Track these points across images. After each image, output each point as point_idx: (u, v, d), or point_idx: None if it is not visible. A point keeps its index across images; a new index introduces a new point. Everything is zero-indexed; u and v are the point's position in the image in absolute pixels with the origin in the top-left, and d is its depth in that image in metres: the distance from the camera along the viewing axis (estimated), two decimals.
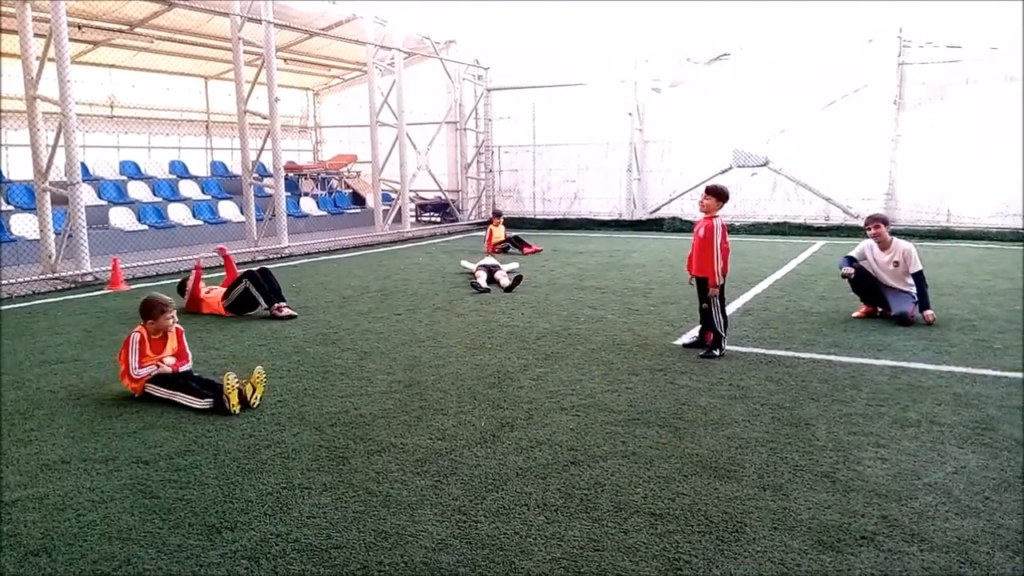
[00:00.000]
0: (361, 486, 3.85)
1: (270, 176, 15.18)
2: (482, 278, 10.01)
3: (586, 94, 18.70)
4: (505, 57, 19.51)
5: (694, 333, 6.90)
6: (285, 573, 3.05)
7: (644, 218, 18.56)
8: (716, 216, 6.38)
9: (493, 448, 4.35)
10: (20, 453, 4.36)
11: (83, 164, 13.71)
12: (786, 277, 10.66)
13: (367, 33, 16.66)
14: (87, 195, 12.98)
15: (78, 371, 6.12)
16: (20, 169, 15.01)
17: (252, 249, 13.63)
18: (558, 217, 19.61)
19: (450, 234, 18.32)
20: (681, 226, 17.70)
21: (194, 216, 16.71)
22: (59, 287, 10.41)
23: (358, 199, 21.28)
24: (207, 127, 20.11)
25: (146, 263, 11.83)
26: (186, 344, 5.64)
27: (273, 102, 13.64)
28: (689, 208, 17.83)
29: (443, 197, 20.13)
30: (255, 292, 8.20)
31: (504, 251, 13.71)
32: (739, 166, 17.25)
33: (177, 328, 5.60)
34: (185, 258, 12.35)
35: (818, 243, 15.01)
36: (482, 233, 15.85)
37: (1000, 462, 4.07)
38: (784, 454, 4.21)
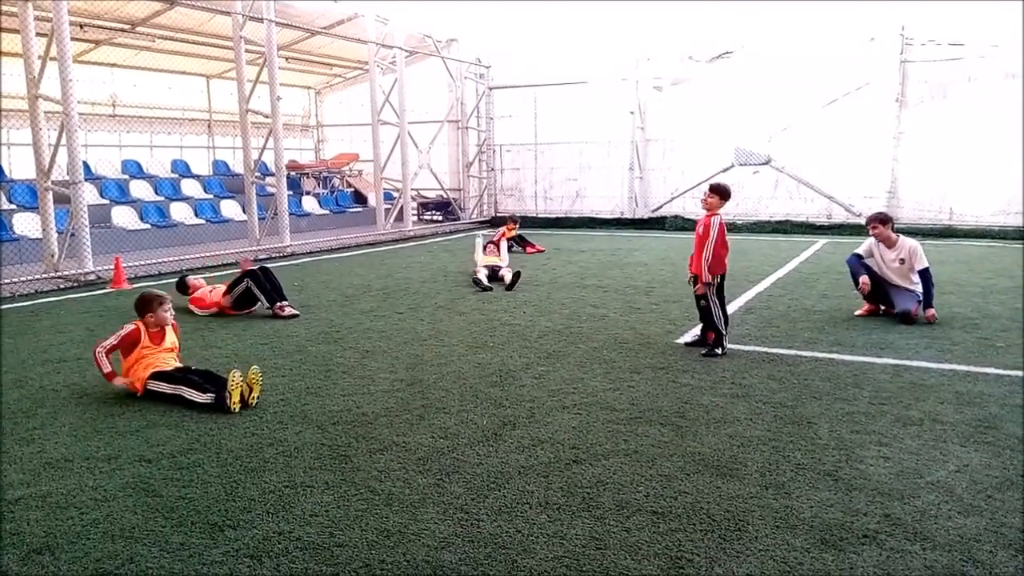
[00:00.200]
0: (363, 484, 3.86)
1: (272, 175, 15.20)
2: (483, 274, 10.00)
3: (588, 92, 18.69)
4: (507, 56, 19.50)
5: (696, 332, 6.89)
6: (287, 571, 3.05)
7: (646, 216, 18.54)
8: (716, 214, 6.38)
9: (495, 446, 4.35)
10: (23, 451, 4.37)
11: (85, 163, 13.70)
12: (788, 275, 10.65)
13: (369, 32, 16.66)
14: (89, 194, 13.02)
15: (80, 370, 6.12)
16: (22, 168, 15.03)
17: (254, 248, 13.64)
18: (560, 216, 19.60)
19: (452, 233, 18.32)
20: (683, 224, 17.68)
21: (196, 215, 16.72)
22: (61, 286, 10.43)
23: (360, 198, 21.28)
24: (209, 126, 20.12)
25: (148, 262, 11.84)
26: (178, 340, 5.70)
27: (275, 101, 13.64)
28: (691, 207, 17.80)
29: (445, 196, 20.12)
30: (256, 291, 8.20)
31: (508, 249, 13.66)
32: (741, 164, 17.22)
33: (173, 323, 5.64)
34: (187, 257, 12.37)
35: (820, 241, 15.00)
36: (483, 233, 15.80)
37: (1003, 460, 4.07)
38: (786, 452, 4.21)
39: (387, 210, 17.60)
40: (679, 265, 11.63)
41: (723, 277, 6.49)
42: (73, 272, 10.76)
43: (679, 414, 4.88)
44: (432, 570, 3.06)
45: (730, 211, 16.00)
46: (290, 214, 14.93)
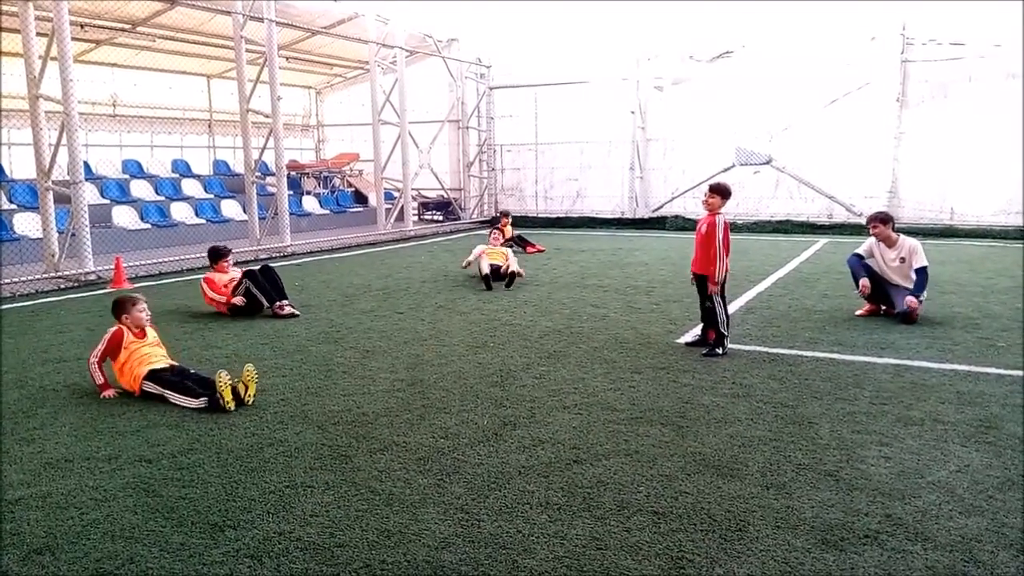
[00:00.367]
0: (364, 484, 3.85)
1: (272, 175, 15.20)
2: (485, 265, 9.95)
3: (588, 92, 18.68)
4: (507, 55, 19.51)
5: (697, 331, 6.89)
6: (288, 572, 3.05)
7: (647, 216, 18.53)
8: (719, 213, 6.37)
9: (495, 447, 4.35)
10: (23, 451, 4.37)
11: (86, 163, 13.71)
12: (789, 275, 10.64)
13: (369, 31, 16.66)
14: (90, 194, 13.01)
15: (81, 370, 6.11)
16: (23, 168, 15.03)
17: (255, 248, 13.63)
18: (560, 215, 19.59)
19: (452, 233, 18.32)
20: (684, 224, 17.67)
21: (197, 215, 16.72)
22: (62, 286, 10.43)
23: (360, 198, 21.28)
24: (209, 126, 20.12)
25: (149, 262, 11.84)
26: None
27: (275, 101, 13.64)
28: (692, 206, 17.80)
29: (445, 196, 20.12)
30: (255, 291, 8.19)
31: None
32: (742, 164, 17.21)
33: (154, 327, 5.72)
34: (187, 257, 12.37)
35: (821, 241, 14.99)
36: (484, 232, 15.78)
37: (1004, 460, 4.06)
38: (787, 453, 4.21)
39: (387, 210, 17.60)
40: (679, 265, 11.62)
41: (725, 277, 6.48)
42: (74, 272, 10.76)
43: (680, 414, 4.87)
44: (433, 570, 3.05)
45: (731, 211, 15.99)
46: (291, 214, 14.93)
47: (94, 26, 14.93)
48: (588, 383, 5.59)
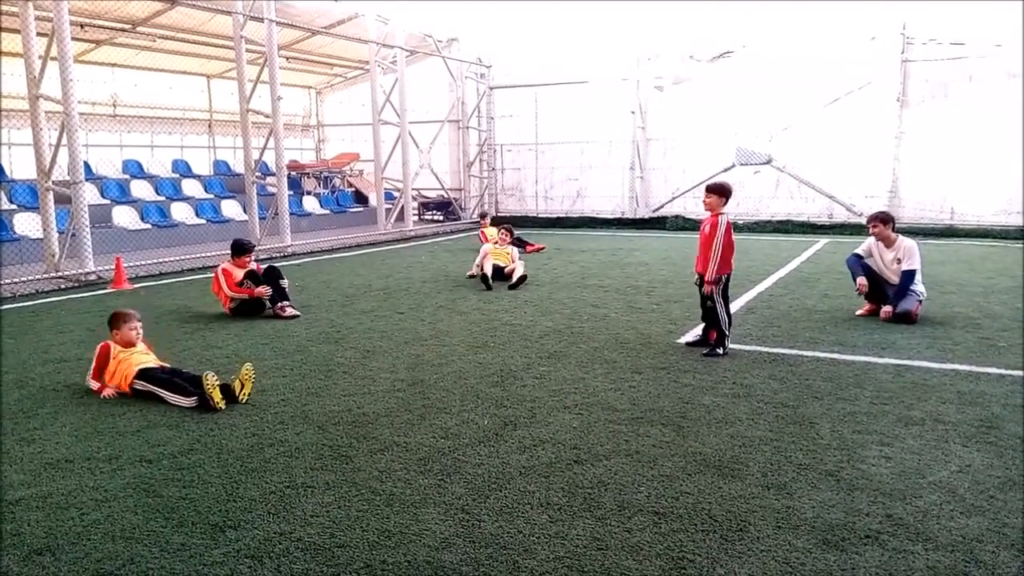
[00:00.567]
0: (364, 485, 3.85)
1: (273, 175, 15.20)
2: (488, 265, 9.95)
3: (589, 92, 18.68)
4: (508, 55, 19.51)
5: (697, 331, 6.88)
6: (288, 572, 3.05)
7: (647, 216, 18.53)
8: (721, 213, 6.37)
9: (496, 447, 4.35)
10: (23, 452, 4.37)
11: (86, 163, 13.71)
12: (789, 275, 10.64)
13: (369, 31, 16.66)
14: (90, 194, 13.01)
15: (81, 370, 6.10)
16: (23, 168, 15.03)
17: (255, 248, 13.61)
18: (560, 215, 19.59)
19: (453, 233, 18.32)
20: (684, 224, 17.69)
21: (197, 215, 16.73)
22: (62, 286, 10.43)
23: (361, 198, 21.28)
24: (210, 126, 20.12)
25: (149, 262, 11.85)
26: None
27: (275, 101, 13.64)
28: (692, 206, 17.80)
29: (446, 196, 20.12)
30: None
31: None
32: (742, 164, 17.21)
33: (146, 344, 5.74)
34: (188, 257, 12.37)
35: (821, 241, 14.99)
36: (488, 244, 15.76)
37: (1005, 460, 4.06)
38: (788, 453, 4.20)
39: (388, 210, 17.60)
40: (680, 265, 11.63)
41: (728, 277, 6.48)
42: (74, 272, 10.76)
43: (680, 414, 4.87)
44: (433, 571, 3.05)
45: (731, 211, 15.93)
46: (291, 214, 14.94)
47: (94, 26, 14.93)
48: (589, 383, 5.59)
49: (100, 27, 15.12)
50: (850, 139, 16.09)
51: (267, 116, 13.89)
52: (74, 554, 3.21)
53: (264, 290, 8.09)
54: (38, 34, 10.82)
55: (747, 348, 6.54)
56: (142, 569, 3.09)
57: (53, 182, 10.99)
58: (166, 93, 18.83)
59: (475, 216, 19.84)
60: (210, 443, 4.46)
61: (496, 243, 10.77)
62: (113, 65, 17.43)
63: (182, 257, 12.30)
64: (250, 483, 3.89)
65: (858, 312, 7.84)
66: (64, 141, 10.75)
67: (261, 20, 13.43)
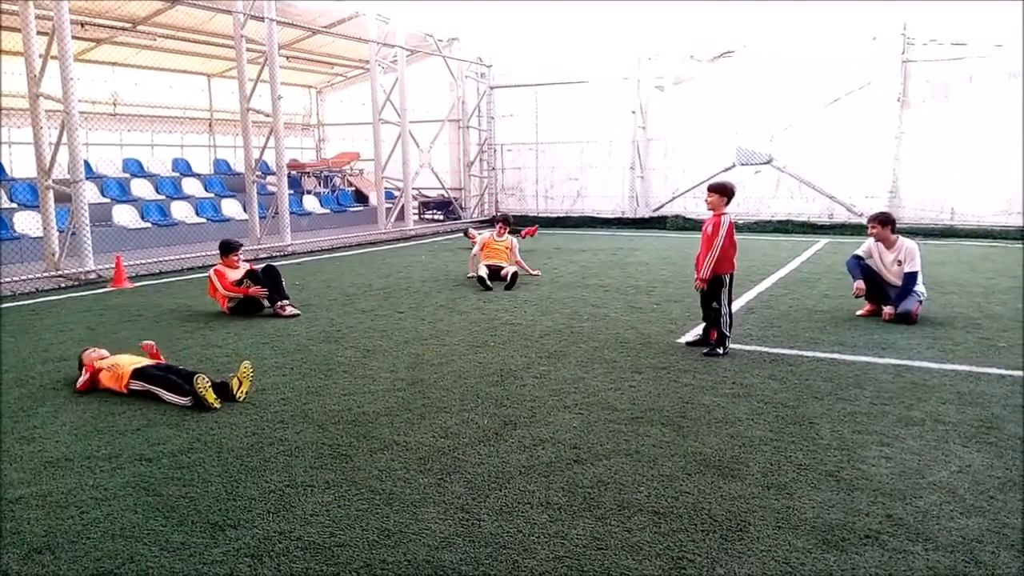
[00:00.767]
0: (364, 484, 3.85)
1: (273, 174, 15.19)
2: (483, 271, 9.96)
3: (589, 92, 18.67)
4: (508, 55, 19.50)
5: (697, 331, 6.88)
6: (288, 571, 3.05)
7: (647, 216, 18.53)
8: (724, 213, 6.37)
9: (496, 446, 4.35)
10: (23, 450, 4.36)
11: (86, 162, 13.71)
12: (789, 275, 10.64)
13: (370, 31, 16.65)
14: (90, 193, 13.00)
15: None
16: (23, 167, 15.03)
17: (255, 247, 13.63)
18: (561, 215, 19.59)
19: (453, 232, 18.31)
20: (684, 224, 17.68)
21: (197, 214, 16.72)
22: (62, 285, 10.43)
23: (361, 197, 21.27)
24: (210, 125, 20.11)
25: (149, 261, 11.85)
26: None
27: (276, 100, 13.63)
28: (692, 206, 17.80)
29: (446, 195, 20.12)
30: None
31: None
32: (742, 164, 17.21)
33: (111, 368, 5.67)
34: (188, 256, 12.37)
35: (821, 241, 14.98)
36: (484, 232, 15.77)
37: (1005, 461, 4.06)
38: (788, 453, 4.20)
39: (388, 209, 17.59)
40: (680, 264, 11.62)
41: (732, 276, 6.48)
42: (74, 271, 10.76)
43: (680, 414, 4.87)
44: (433, 570, 3.05)
45: (732, 211, 15.93)
46: (291, 213, 14.93)
47: (95, 25, 14.92)
48: (589, 383, 5.59)
49: (100, 26, 15.12)
50: (851, 139, 16.08)
51: (267, 115, 13.89)
52: (74, 552, 3.21)
53: (259, 290, 8.11)
54: (38, 33, 10.81)
55: (747, 348, 6.54)
56: (142, 568, 3.09)
57: (53, 181, 10.99)
58: (166, 92, 18.81)
59: (478, 215, 19.85)
60: (210, 442, 4.46)
61: (496, 234, 10.68)
62: (113, 64, 17.42)
63: (182, 256, 12.30)
64: (250, 482, 3.89)
65: (858, 312, 7.84)
66: (64, 140, 10.74)
67: (261, 19, 13.42)
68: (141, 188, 16.91)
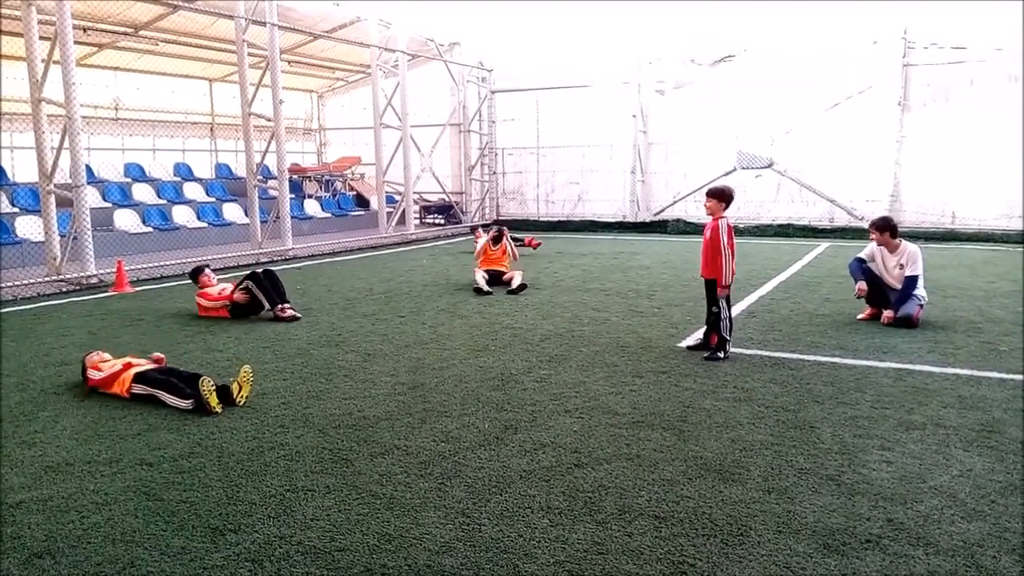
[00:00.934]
0: (365, 488, 3.85)
1: (274, 178, 15.20)
2: (481, 277, 9.97)
3: (590, 96, 18.70)
4: (509, 59, 19.53)
5: (698, 335, 6.88)
6: (288, 575, 3.05)
7: (648, 220, 18.54)
8: (722, 217, 6.37)
9: (497, 451, 4.34)
10: (24, 455, 4.37)
11: (88, 166, 13.73)
12: (790, 279, 10.64)
13: (371, 35, 16.68)
14: (92, 197, 13.01)
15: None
16: (25, 171, 15.06)
17: (256, 251, 13.65)
18: (562, 219, 19.60)
19: (454, 236, 18.32)
20: (685, 228, 17.69)
21: (198, 218, 16.75)
22: (64, 289, 10.44)
23: (362, 201, 21.30)
24: (211, 129, 20.15)
25: (150, 265, 11.85)
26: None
27: (277, 104, 13.65)
28: (693, 210, 17.80)
29: (447, 199, 20.14)
30: (258, 293, 8.20)
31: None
32: (743, 168, 17.22)
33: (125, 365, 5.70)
34: (189, 260, 12.35)
35: (822, 245, 14.98)
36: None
37: (1006, 465, 4.05)
38: (789, 457, 4.20)
39: (389, 213, 17.61)
40: (681, 269, 11.63)
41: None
42: (75, 275, 10.77)
43: (681, 418, 4.87)
44: (433, 574, 3.05)
45: (732, 215, 15.93)
46: (292, 217, 14.94)
47: (97, 30, 14.96)
48: (589, 387, 5.59)
49: (102, 31, 15.15)
50: (851, 143, 16.09)
51: (269, 120, 13.91)
52: (74, 557, 3.21)
53: (240, 296, 8.18)
54: (41, 38, 10.84)
55: (748, 352, 6.54)
56: (142, 572, 3.08)
57: (55, 185, 11.01)
58: (168, 97, 18.85)
59: (479, 219, 19.85)
60: (210, 446, 4.46)
61: (491, 244, 10.64)
62: (115, 69, 17.45)
63: (184, 260, 12.28)
64: (250, 486, 3.89)
65: (859, 316, 7.83)
66: (66, 144, 10.76)
67: (263, 24, 13.45)
68: (143, 192, 16.94)
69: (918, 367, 5.99)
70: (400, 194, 18.07)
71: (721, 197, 6.41)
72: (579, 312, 8.43)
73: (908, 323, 7.35)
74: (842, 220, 16.59)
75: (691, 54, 17.56)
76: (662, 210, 18.53)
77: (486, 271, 10.23)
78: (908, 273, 7.49)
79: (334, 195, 20.87)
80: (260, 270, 8.52)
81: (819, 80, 16.15)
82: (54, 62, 10.67)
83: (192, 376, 5.26)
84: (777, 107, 16.61)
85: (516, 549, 3.24)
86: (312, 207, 19.42)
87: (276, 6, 13.75)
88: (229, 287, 8.45)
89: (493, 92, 20.18)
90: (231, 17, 13.34)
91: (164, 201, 16.89)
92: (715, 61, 17.35)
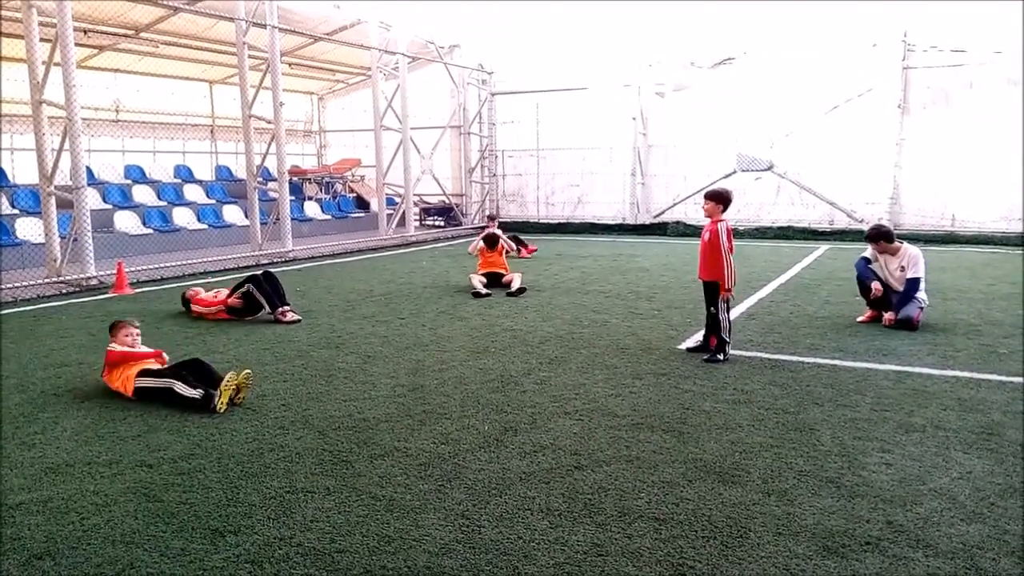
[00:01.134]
0: (364, 490, 3.85)
1: (274, 180, 15.22)
2: (478, 281, 9.97)
3: (590, 98, 18.71)
4: (509, 61, 19.55)
5: (698, 337, 6.89)
6: None
7: (648, 222, 18.54)
8: (721, 220, 6.38)
9: (496, 453, 4.35)
10: (24, 456, 4.37)
11: (88, 168, 13.74)
12: (790, 281, 10.64)
13: (371, 38, 16.70)
14: (92, 199, 13.02)
15: (83, 375, 6.13)
16: (25, 173, 15.07)
17: (256, 253, 13.65)
18: (562, 221, 19.61)
19: (454, 238, 18.33)
20: (685, 230, 17.69)
21: (199, 220, 16.76)
22: (64, 291, 10.44)
23: (362, 203, 21.31)
24: (212, 131, 20.17)
25: (151, 267, 11.85)
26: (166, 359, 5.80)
27: (277, 106, 13.67)
28: (693, 212, 17.80)
29: (447, 201, 20.15)
30: (258, 295, 8.21)
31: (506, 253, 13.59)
32: (743, 170, 17.23)
33: (153, 352, 5.76)
34: (189, 262, 12.38)
35: (822, 247, 14.99)
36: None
37: (1005, 467, 4.05)
38: (788, 459, 4.20)
39: (389, 215, 17.62)
40: (681, 271, 11.63)
41: None
42: (75, 277, 10.77)
43: (681, 420, 4.87)
44: None
45: (732, 217, 15.93)
46: (292, 219, 14.94)
47: (97, 32, 14.98)
48: (589, 389, 5.59)
49: (103, 33, 15.18)
50: (851, 146, 16.10)
51: (269, 122, 13.93)
52: (74, 558, 3.21)
53: (236, 301, 8.22)
54: (41, 39, 10.85)
55: (748, 354, 6.54)
56: (142, 574, 3.09)
57: (55, 187, 11.01)
58: (168, 98, 18.87)
59: (479, 221, 19.87)
60: (210, 448, 4.46)
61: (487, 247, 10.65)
62: (116, 71, 17.47)
63: (184, 262, 12.31)
64: (250, 488, 3.89)
65: (859, 319, 7.83)
66: (67, 146, 10.77)
67: (263, 26, 13.47)
68: (143, 194, 16.95)
69: (918, 369, 5.99)
70: (400, 196, 18.08)
71: (719, 199, 6.42)
72: (579, 314, 8.43)
73: (908, 325, 7.35)
74: (842, 222, 16.60)
75: (691, 57, 17.57)
76: (662, 212, 18.54)
77: (484, 273, 10.25)
78: (910, 275, 7.49)
79: (334, 197, 20.89)
80: (260, 272, 8.54)
81: (819, 83, 16.16)
82: (55, 64, 10.68)
83: (197, 365, 5.37)
84: (777, 110, 16.62)
85: (516, 551, 3.24)
86: (312, 209, 19.43)
87: (277, 8, 13.77)
88: (224, 291, 8.47)
89: (493, 94, 20.20)
90: (232, 19, 13.36)
91: (164, 203, 16.90)
92: (715, 64, 17.36)
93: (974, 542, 3.27)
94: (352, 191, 21.76)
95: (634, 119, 18.30)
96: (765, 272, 11.41)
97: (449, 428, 4.76)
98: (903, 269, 7.57)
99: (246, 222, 15.03)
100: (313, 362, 6.45)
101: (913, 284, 7.47)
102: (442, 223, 20.36)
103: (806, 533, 3.36)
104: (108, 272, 10.84)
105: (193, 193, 18.14)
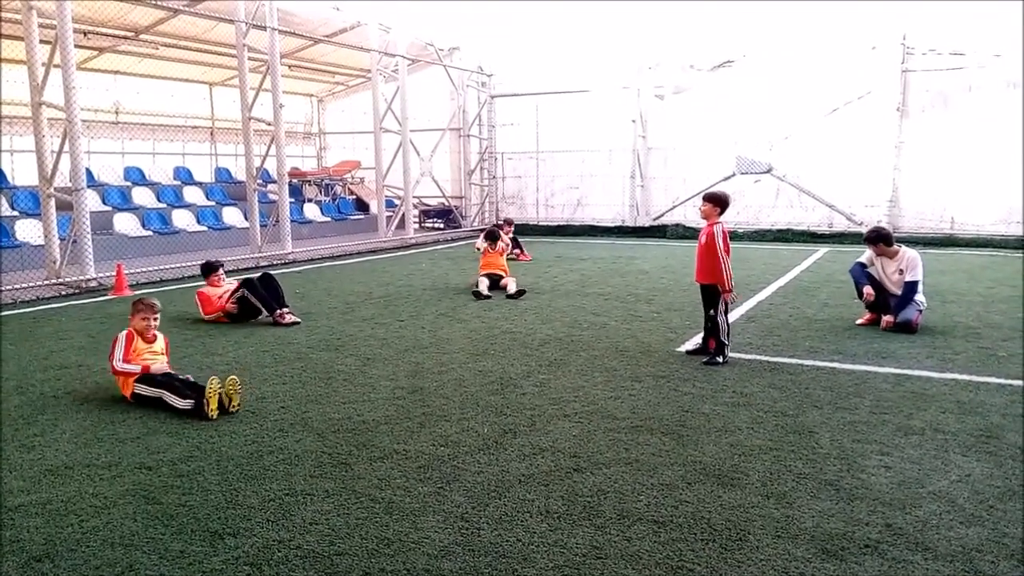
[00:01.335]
0: (364, 492, 3.85)
1: (274, 182, 15.23)
2: (483, 284, 9.99)
3: (589, 101, 18.72)
4: (509, 64, 19.57)
5: (697, 340, 6.89)
6: None
7: (647, 225, 18.56)
8: (717, 223, 6.38)
9: (496, 455, 4.35)
10: (23, 458, 4.37)
11: (88, 170, 13.74)
12: (789, 284, 10.65)
13: (371, 40, 16.72)
14: (91, 201, 13.02)
15: (82, 376, 6.13)
16: (25, 175, 15.06)
17: (256, 255, 13.65)
18: (561, 223, 19.62)
19: (453, 240, 18.34)
20: (684, 233, 17.70)
21: (198, 222, 16.75)
22: (63, 292, 10.44)
23: (362, 205, 21.31)
24: (211, 133, 20.17)
25: (150, 269, 11.86)
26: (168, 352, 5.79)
27: (277, 108, 13.68)
28: (692, 215, 17.80)
29: (446, 203, 20.16)
30: (254, 300, 8.19)
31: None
32: (742, 173, 17.24)
33: (164, 337, 5.78)
34: (189, 264, 12.37)
35: (821, 250, 14.99)
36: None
37: (1004, 470, 4.06)
38: (788, 462, 4.20)
39: (389, 217, 17.62)
40: (680, 273, 11.63)
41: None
42: (75, 279, 10.77)
43: (680, 423, 4.87)
44: None
45: (731, 220, 16.01)
46: (292, 221, 14.96)
47: (97, 34, 14.99)
48: (588, 391, 5.59)
49: (103, 35, 15.19)
50: (850, 148, 16.11)
51: (269, 124, 13.93)
52: (73, 561, 3.21)
53: (231, 307, 8.24)
54: (41, 41, 10.86)
55: (747, 357, 6.55)
56: None
57: (55, 189, 11.02)
58: (168, 101, 18.88)
59: (479, 223, 19.86)
60: (210, 450, 4.46)
61: (490, 247, 10.66)
62: (116, 72, 17.48)
63: (183, 264, 12.30)
64: (249, 490, 3.89)
65: (858, 322, 7.84)
66: (66, 148, 10.77)
67: (263, 28, 13.48)
68: (142, 196, 16.95)
69: (917, 372, 5.99)
70: (400, 198, 18.09)
71: (716, 202, 6.43)
72: (578, 316, 8.44)
73: (907, 328, 7.35)
74: (841, 225, 16.61)
75: (690, 59, 17.59)
76: (661, 215, 18.55)
77: (486, 274, 10.25)
78: (908, 278, 7.50)
79: (334, 199, 20.89)
80: (257, 275, 8.53)
81: (818, 85, 16.18)
82: (54, 66, 10.69)
83: (189, 382, 5.29)
84: (776, 112, 16.64)
85: (515, 553, 3.24)
86: (312, 211, 19.43)
87: (276, 10, 13.78)
88: (233, 285, 8.46)
89: (493, 97, 20.22)
90: (231, 21, 13.37)
91: (164, 205, 16.90)
92: (714, 66, 17.38)
93: (973, 545, 3.27)
94: (352, 193, 21.76)
95: (633, 121, 18.31)
96: (764, 275, 11.41)
97: (448, 430, 4.76)
98: (901, 272, 7.58)
99: (246, 224, 15.04)
100: (312, 364, 6.46)
101: (912, 287, 7.48)
102: (441, 225, 20.37)
103: (805, 536, 3.36)
104: (107, 274, 10.84)
105: (193, 195, 18.14)
